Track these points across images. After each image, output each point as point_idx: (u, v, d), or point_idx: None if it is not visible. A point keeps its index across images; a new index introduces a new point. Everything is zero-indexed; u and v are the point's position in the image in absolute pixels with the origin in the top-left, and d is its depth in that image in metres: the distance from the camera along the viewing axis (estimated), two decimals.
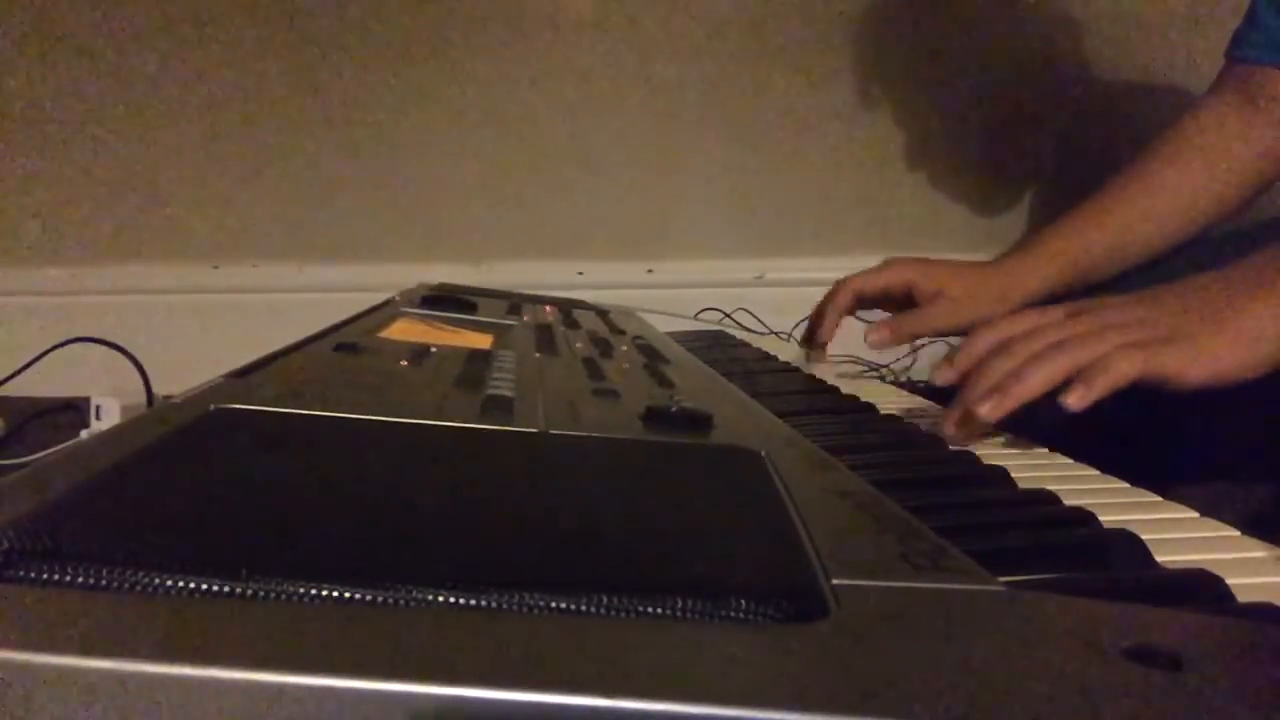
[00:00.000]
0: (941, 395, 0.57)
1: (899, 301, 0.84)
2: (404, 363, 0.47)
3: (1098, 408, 0.47)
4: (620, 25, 1.24)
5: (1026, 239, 0.88)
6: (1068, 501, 0.39)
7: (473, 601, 0.20)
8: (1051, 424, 0.50)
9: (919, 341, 1.09)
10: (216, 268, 1.30)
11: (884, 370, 1.06)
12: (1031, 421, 0.51)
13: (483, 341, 0.60)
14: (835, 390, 0.69)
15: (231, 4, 1.22)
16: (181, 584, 0.19)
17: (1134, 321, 0.50)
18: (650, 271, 1.31)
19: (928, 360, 1.13)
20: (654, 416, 0.39)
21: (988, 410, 0.49)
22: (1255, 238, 0.85)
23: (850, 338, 0.85)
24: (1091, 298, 0.54)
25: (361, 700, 0.16)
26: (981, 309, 0.80)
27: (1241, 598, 0.29)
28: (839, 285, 0.84)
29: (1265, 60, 0.82)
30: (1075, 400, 0.46)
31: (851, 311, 0.84)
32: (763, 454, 0.35)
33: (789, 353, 0.92)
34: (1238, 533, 0.37)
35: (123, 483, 0.25)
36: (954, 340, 0.94)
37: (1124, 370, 0.47)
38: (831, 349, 0.86)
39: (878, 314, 0.84)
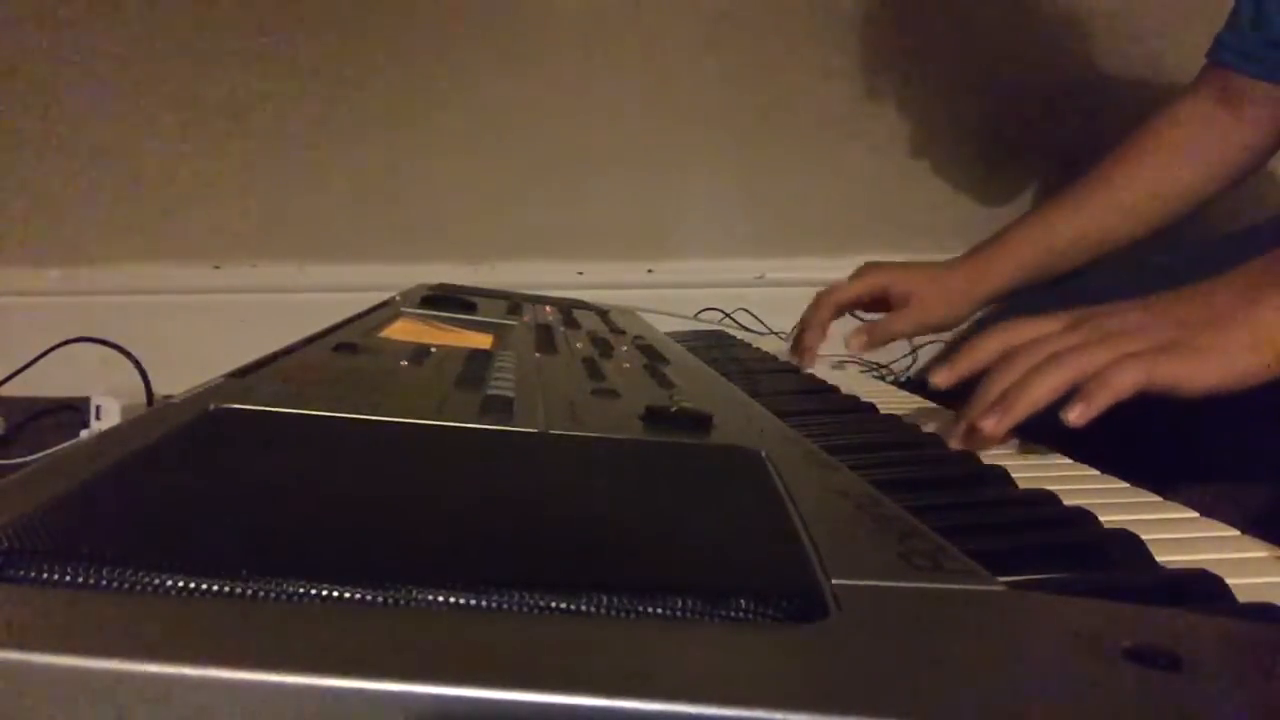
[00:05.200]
0: (941, 395, 0.57)
1: (877, 306, 0.88)
2: (404, 363, 0.47)
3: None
4: (621, 25, 1.24)
5: (995, 234, 0.92)
6: (1068, 501, 0.39)
7: (473, 601, 0.20)
8: (1054, 427, 0.50)
9: (918, 340, 1.10)
10: (217, 268, 1.30)
11: (884, 370, 1.06)
12: (1035, 423, 0.51)
13: (483, 341, 0.60)
14: (835, 390, 0.69)
15: (232, 4, 1.22)
16: (181, 584, 0.19)
17: (1136, 329, 0.50)
18: (650, 271, 1.31)
19: (928, 359, 1.13)
20: (654, 416, 0.39)
21: (992, 425, 0.49)
22: (1261, 238, 0.86)
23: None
24: (1095, 306, 0.54)
25: (361, 700, 0.16)
26: (950, 307, 0.87)
27: (1241, 598, 0.29)
28: (819, 299, 0.88)
29: (1241, 68, 0.84)
30: (1076, 416, 0.46)
31: (832, 320, 0.87)
32: (763, 454, 0.35)
33: (789, 353, 0.92)
34: (1238, 533, 0.37)
35: (123, 483, 0.25)
36: (942, 336, 0.96)
37: (1125, 382, 0.47)
38: (831, 349, 0.88)
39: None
